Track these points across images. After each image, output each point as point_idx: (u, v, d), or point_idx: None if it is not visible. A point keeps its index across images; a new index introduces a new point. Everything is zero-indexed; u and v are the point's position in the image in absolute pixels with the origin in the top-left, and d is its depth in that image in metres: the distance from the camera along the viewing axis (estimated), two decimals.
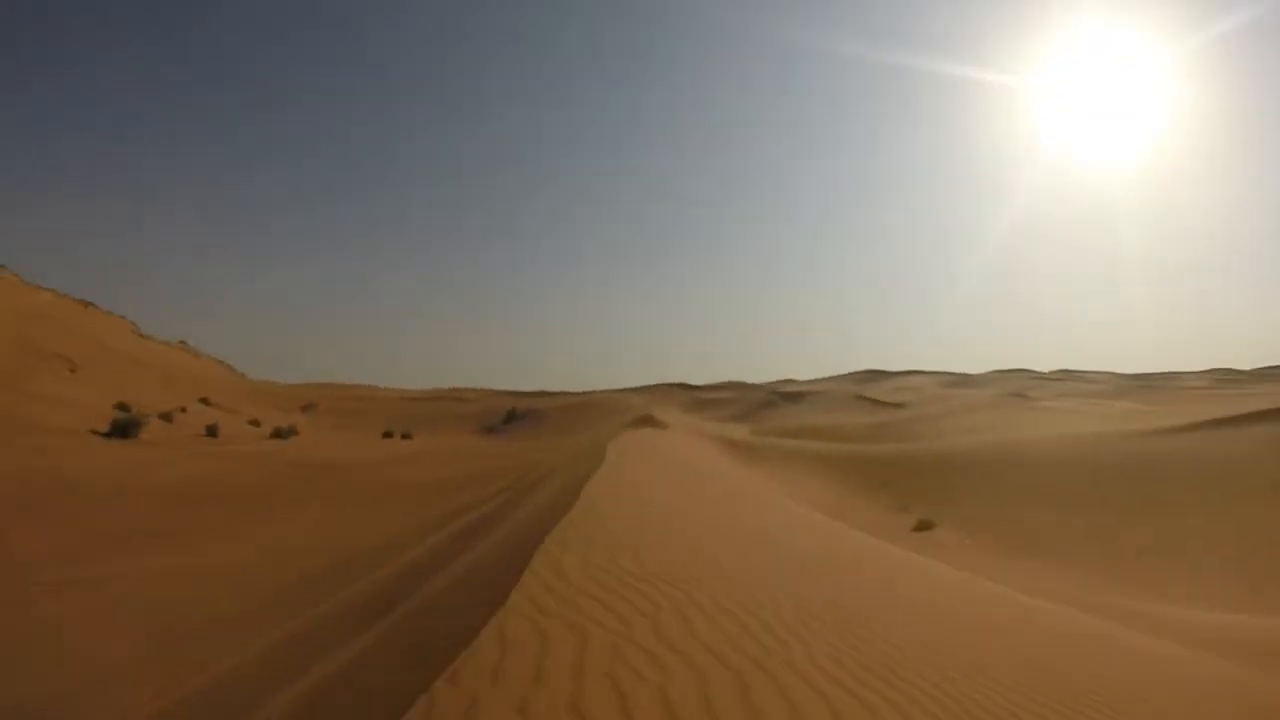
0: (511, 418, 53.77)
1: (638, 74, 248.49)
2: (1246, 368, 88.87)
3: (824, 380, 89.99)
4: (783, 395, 76.38)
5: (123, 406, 36.42)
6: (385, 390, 68.95)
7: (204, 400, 48.53)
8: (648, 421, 43.51)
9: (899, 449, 30.41)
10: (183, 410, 42.18)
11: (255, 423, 44.37)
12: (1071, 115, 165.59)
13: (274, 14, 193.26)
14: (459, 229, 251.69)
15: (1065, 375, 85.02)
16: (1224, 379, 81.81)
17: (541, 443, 40.00)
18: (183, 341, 69.93)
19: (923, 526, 19.07)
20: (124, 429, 26.85)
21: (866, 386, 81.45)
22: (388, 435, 45.75)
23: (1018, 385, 78.01)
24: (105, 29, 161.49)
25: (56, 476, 13.34)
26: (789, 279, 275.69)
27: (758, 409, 69.26)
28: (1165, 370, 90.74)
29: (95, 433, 27.55)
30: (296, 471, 18.37)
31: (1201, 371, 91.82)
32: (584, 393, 66.74)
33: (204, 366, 66.00)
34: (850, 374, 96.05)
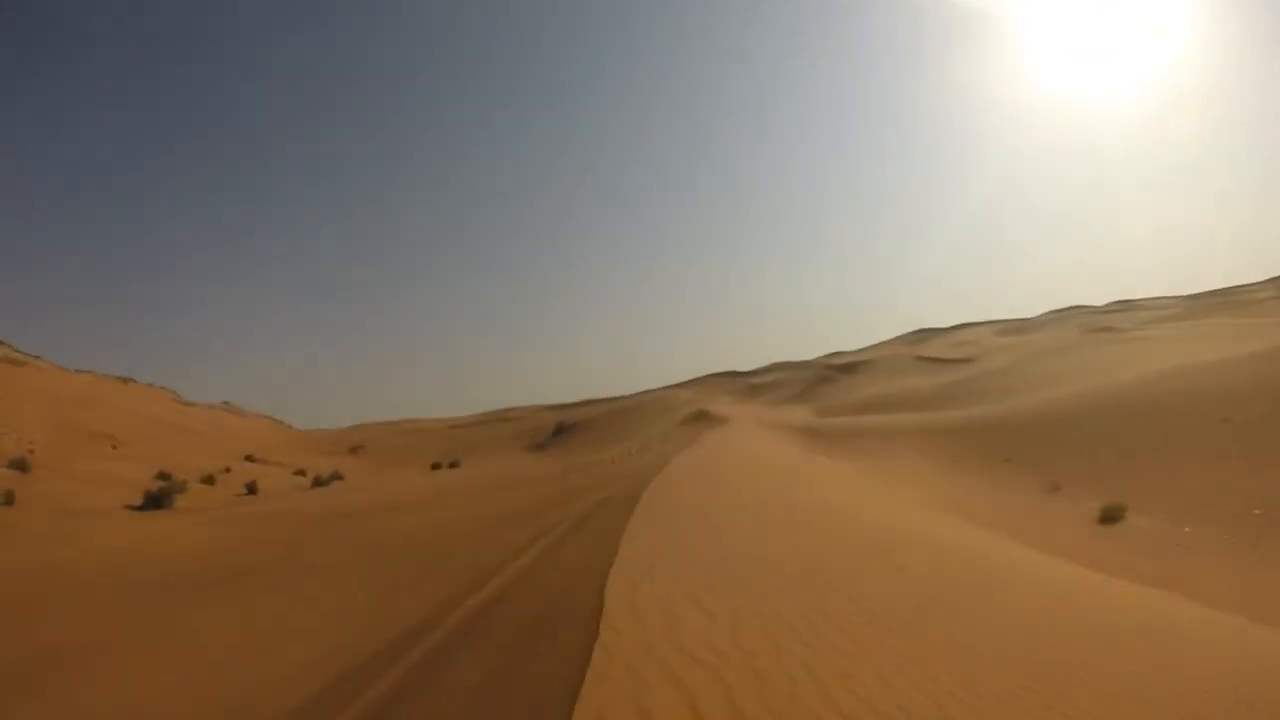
0: (560, 430, 52.03)
1: (630, 70, 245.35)
2: None
3: (874, 347, 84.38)
4: (837, 369, 72.31)
5: (164, 476, 35.58)
6: (433, 421, 67.83)
7: (249, 458, 47.77)
8: (701, 418, 41.30)
9: (1002, 411, 26.48)
10: (227, 471, 41.33)
11: (301, 472, 43.31)
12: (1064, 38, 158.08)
13: (285, 74, 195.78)
14: (476, 250, 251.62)
15: (1125, 305, 78.43)
16: None
17: (588, 457, 38.08)
18: (226, 402, 69.85)
19: (1110, 517, 14.26)
20: (158, 500, 25.57)
21: (921, 346, 77.08)
22: (436, 466, 44.28)
23: (1084, 321, 72.55)
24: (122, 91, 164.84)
25: (38, 567, 11.79)
26: (806, 248, 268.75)
27: (813, 386, 66.12)
28: (1222, 286, 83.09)
29: (129, 507, 26.37)
30: (308, 530, 16.60)
31: (1263, 282, 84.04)
32: (632, 395, 64.65)
33: (249, 424, 65.67)
34: (900, 337, 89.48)
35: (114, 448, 45.53)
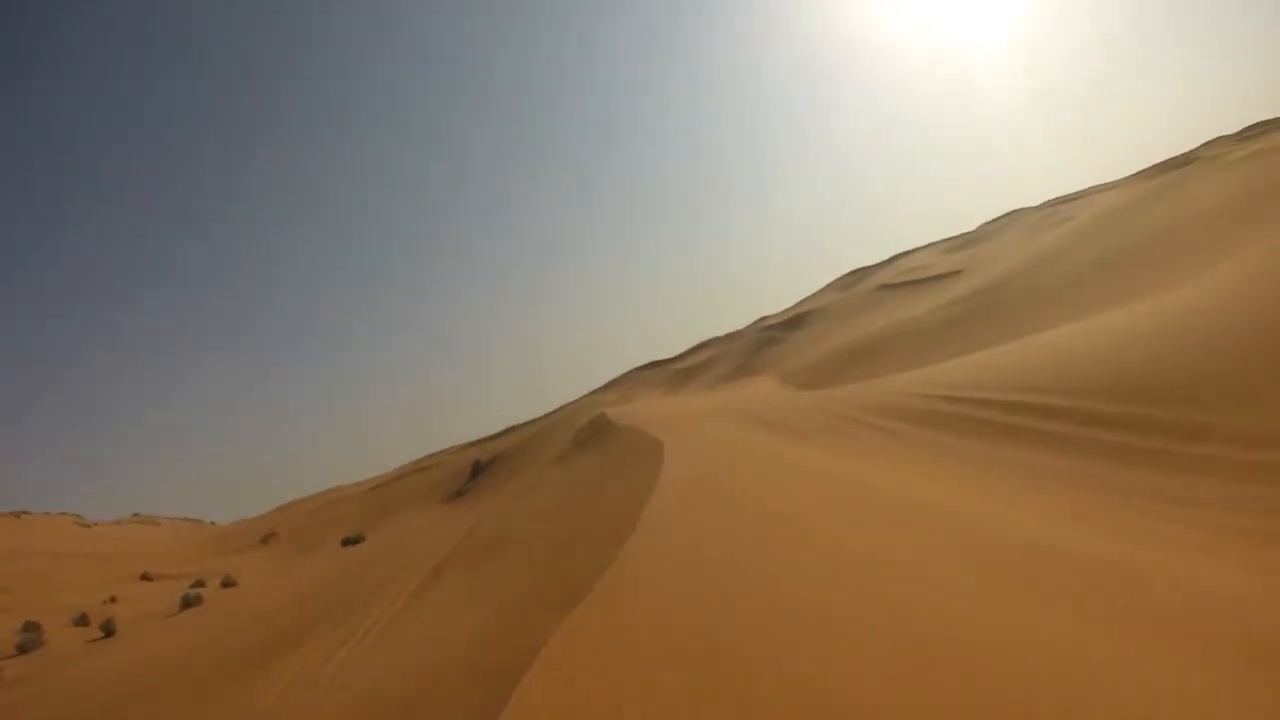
0: (477, 471, 49.27)
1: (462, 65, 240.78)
2: (1233, 130, 75.57)
3: (809, 299, 73.09)
4: (778, 327, 61.47)
5: (30, 627, 32.46)
6: (352, 487, 64.71)
7: (145, 576, 44.37)
8: (598, 430, 38.09)
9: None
10: (111, 600, 38.07)
11: (200, 584, 40.00)
12: None
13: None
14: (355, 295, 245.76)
15: (1065, 199, 70.05)
16: (1250, 136, 63.46)
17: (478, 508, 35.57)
18: (137, 514, 65.98)
19: None
20: None
21: (872, 279, 65.99)
22: (348, 542, 41.38)
23: (1036, 220, 59.48)
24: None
25: None
26: (692, 222, 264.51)
27: (757, 353, 56.66)
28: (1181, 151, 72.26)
29: None
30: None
31: (1228, 136, 68.51)
32: (554, 411, 61.89)
33: (161, 532, 62.05)
34: (833, 283, 77.09)
35: None
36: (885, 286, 56.92)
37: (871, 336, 36.72)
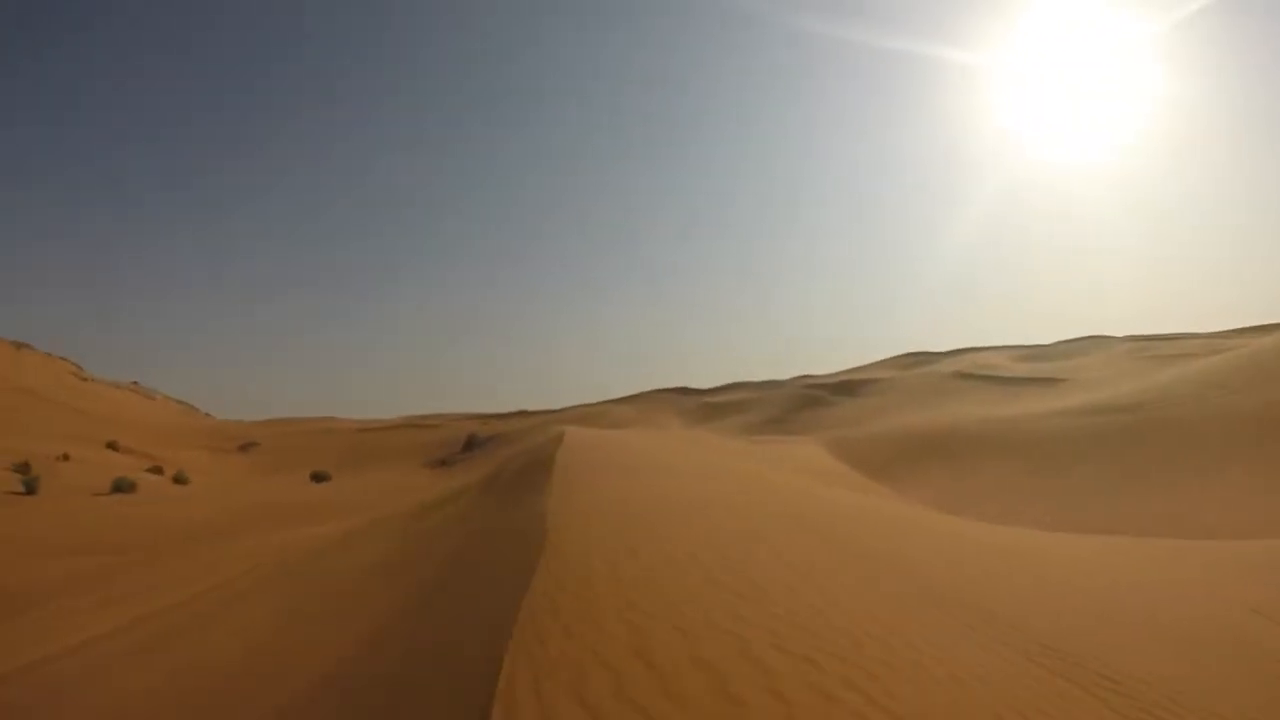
0: (470, 445, 46.90)
1: (609, 79, 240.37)
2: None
3: (863, 368, 68.49)
4: (826, 388, 55.66)
5: None
6: (347, 422, 62.91)
7: (111, 444, 42.78)
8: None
9: None
10: (63, 458, 36.36)
11: (158, 469, 38.16)
12: (1038, 96, 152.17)
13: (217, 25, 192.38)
14: (438, 244, 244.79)
15: (1154, 338, 65.33)
16: None
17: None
18: (135, 383, 64.93)
19: None
20: None
21: (934, 368, 60.56)
22: (316, 478, 39.22)
23: (1128, 349, 55.66)
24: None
25: None
26: (754, 275, 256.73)
27: (798, 410, 51.04)
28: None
29: None
30: None
31: None
32: (565, 409, 59.36)
33: (147, 407, 60.78)
34: (891, 359, 72.15)
35: None
36: (962, 375, 51.93)
37: (959, 426, 30.50)
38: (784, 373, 74.81)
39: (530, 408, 61.77)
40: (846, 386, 55.60)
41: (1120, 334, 69.07)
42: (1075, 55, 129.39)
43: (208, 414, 69.12)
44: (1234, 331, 60.16)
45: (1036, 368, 53.26)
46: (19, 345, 57.16)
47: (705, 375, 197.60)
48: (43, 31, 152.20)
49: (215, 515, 21.56)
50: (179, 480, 34.65)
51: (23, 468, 31.17)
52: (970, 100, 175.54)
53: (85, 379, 59.68)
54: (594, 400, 61.76)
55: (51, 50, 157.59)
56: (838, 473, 24.49)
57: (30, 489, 26.24)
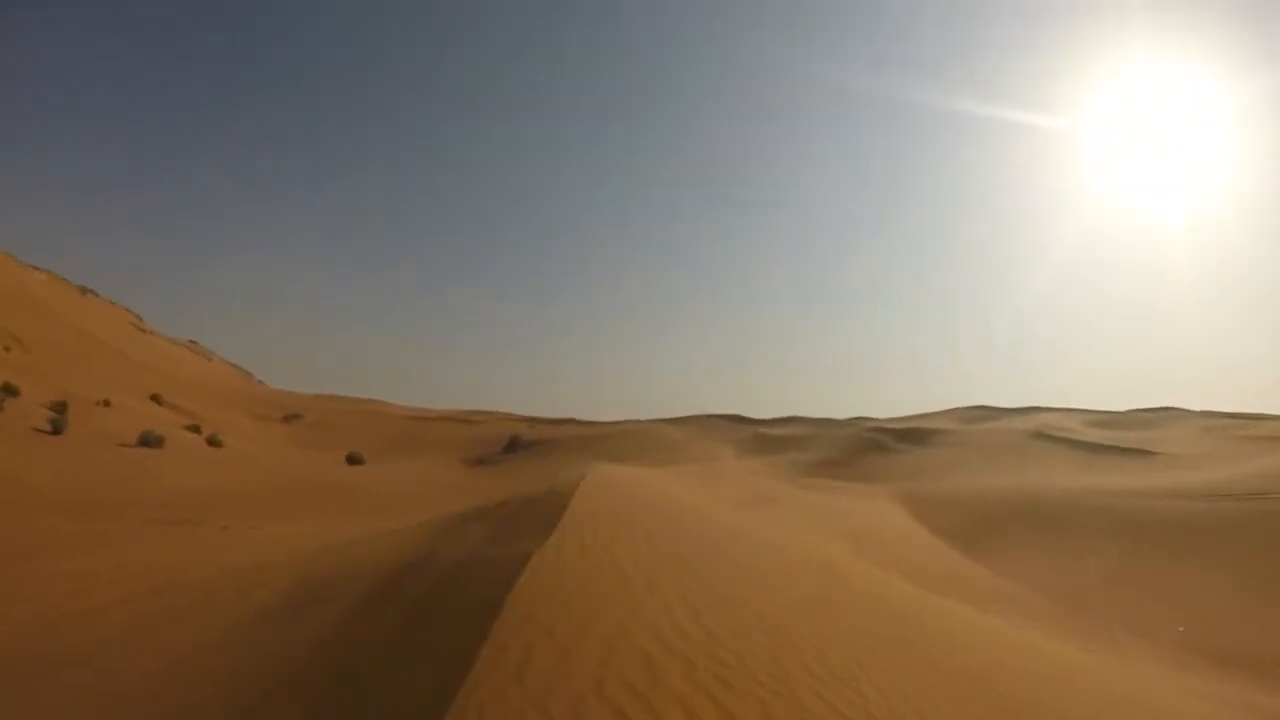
0: (513, 447, 45.02)
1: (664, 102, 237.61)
2: None
3: (925, 416, 65.55)
4: (889, 433, 52.14)
5: (8, 389, 30.37)
6: (395, 407, 61.76)
7: (155, 397, 42.03)
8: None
9: None
10: (104, 404, 35.56)
11: (195, 427, 37.12)
12: (1124, 161, 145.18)
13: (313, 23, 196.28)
14: (519, 248, 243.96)
15: (1240, 416, 59.58)
16: None
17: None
18: (193, 341, 65.01)
19: None
20: None
21: (1003, 423, 57.52)
22: (351, 460, 37.69)
23: (1202, 424, 53.13)
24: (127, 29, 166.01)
25: None
26: (823, 317, 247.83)
27: (860, 454, 47.41)
28: None
29: None
30: None
31: None
32: (614, 423, 57.12)
33: (203, 367, 60.63)
34: (952, 411, 69.17)
35: (6, 349, 40.39)
36: (1039, 435, 47.78)
37: (1051, 495, 26.82)
38: (839, 411, 71.06)
39: (580, 416, 59.76)
40: (913, 435, 51.63)
41: (1193, 407, 64.58)
42: (1158, 119, 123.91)
43: (261, 381, 69.04)
44: None
45: (1116, 435, 48.71)
46: (84, 290, 57.59)
47: (756, 403, 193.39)
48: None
49: (231, 486, 19.85)
50: (212, 442, 33.37)
51: (59, 407, 30.25)
52: (1050, 162, 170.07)
53: (144, 330, 59.85)
54: (644, 417, 59.51)
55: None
56: (923, 545, 21.14)
57: (57, 429, 25.06)
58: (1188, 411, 61.33)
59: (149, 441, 26.38)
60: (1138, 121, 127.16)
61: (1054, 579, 17.89)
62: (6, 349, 40.17)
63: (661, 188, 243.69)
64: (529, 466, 41.70)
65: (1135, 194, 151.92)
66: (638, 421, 56.61)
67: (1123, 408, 65.16)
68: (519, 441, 46.03)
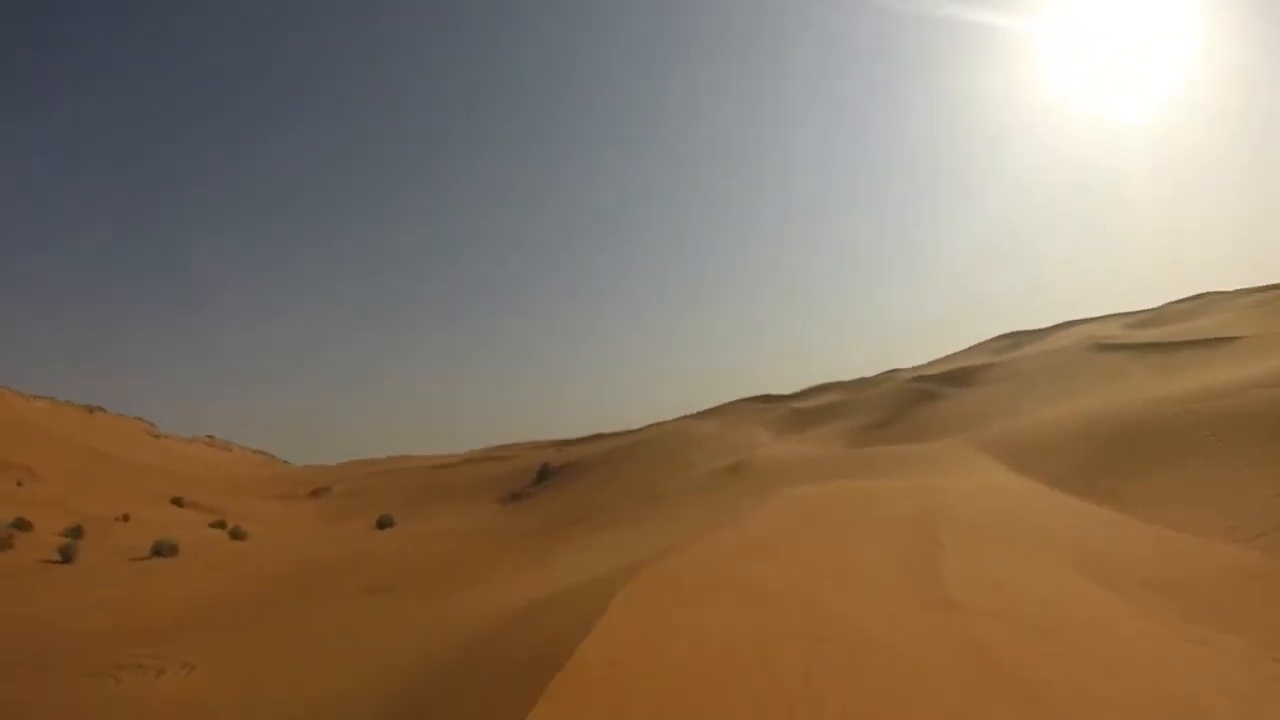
0: (544, 475, 43.58)
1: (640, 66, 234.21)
2: None
3: (956, 355, 60.10)
4: (933, 379, 47.54)
5: (20, 524, 29.36)
6: (420, 459, 60.61)
7: (176, 500, 41.07)
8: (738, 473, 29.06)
9: None
10: (123, 519, 34.59)
11: (220, 524, 36.09)
12: (1082, 62, 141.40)
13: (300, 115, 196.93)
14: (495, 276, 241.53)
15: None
16: None
17: (542, 522, 29.51)
18: (210, 436, 64.24)
19: None
20: None
21: (1048, 344, 51.48)
22: (381, 525, 36.38)
23: (1261, 300, 46.54)
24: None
25: None
26: (789, 268, 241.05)
27: (906, 408, 43.22)
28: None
29: None
30: None
31: None
32: (642, 429, 55.42)
33: (225, 459, 59.84)
34: (984, 343, 62.87)
35: (19, 484, 39.57)
36: (1100, 347, 42.07)
37: (1152, 411, 22.65)
38: (865, 370, 66.88)
39: (607, 429, 58.15)
40: (958, 376, 46.65)
41: (1227, 288, 60.13)
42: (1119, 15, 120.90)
43: (286, 461, 68.37)
44: None
45: (1176, 330, 43.00)
46: (91, 409, 56.96)
47: (779, 381, 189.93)
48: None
49: (236, 590, 18.39)
50: (235, 535, 32.22)
51: (74, 532, 29.24)
52: (1016, 66, 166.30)
53: (158, 436, 59.18)
54: (672, 416, 57.72)
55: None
56: (1058, 509, 15.93)
57: (67, 557, 23.88)
58: (1224, 293, 56.36)
59: (162, 550, 25.13)
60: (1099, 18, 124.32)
61: (1211, 516, 14.23)
62: (19, 483, 39.34)
63: (641, 179, 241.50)
64: (568, 490, 40.14)
65: (1099, 91, 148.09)
66: (665, 423, 54.88)
67: (1155, 304, 61.56)
68: (549, 469, 44.56)
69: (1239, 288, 56.90)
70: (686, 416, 55.68)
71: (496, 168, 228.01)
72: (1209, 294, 58.13)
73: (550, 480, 43.12)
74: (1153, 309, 58.29)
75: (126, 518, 35.29)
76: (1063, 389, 36.28)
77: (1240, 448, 17.75)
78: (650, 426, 54.28)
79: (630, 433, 53.65)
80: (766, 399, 58.58)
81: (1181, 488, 16.60)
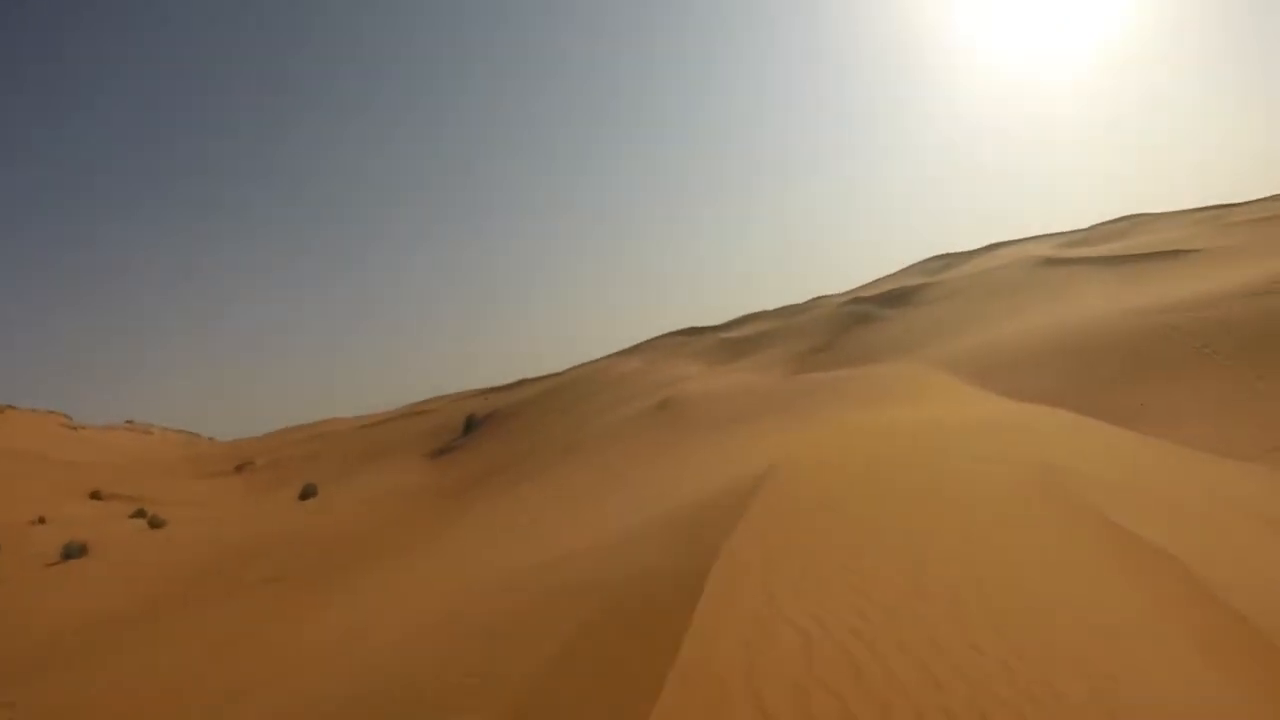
0: (470, 426, 43.83)
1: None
2: None
3: (889, 278, 59.25)
4: (871, 301, 45.59)
5: None
6: (345, 421, 60.12)
7: (94, 494, 40.26)
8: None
9: None
10: (38, 522, 33.85)
11: (141, 513, 35.58)
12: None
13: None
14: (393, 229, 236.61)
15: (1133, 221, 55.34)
16: None
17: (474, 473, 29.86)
18: (129, 421, 62.60)
19: None
20: None
21: (988, 262, 49.31)
22: (304, 496, 36.40)
23: (1198, 219, 46.41)
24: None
25: None
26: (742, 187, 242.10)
27: (844, 332, 40.68)
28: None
29: None
30: None
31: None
32: (565, 371, 55.77)
33: (143, 444, 58.57)
34: (916, 265, 61.71)
35: None
36: (1050, 262, 40.32)
37: (1145, 321, 20.96)
38: (792, 298, 65.38)
39: (531, 374, 58.22)
40: (896, 296, 44.43)
41: (1157, 210, 59.28)
42: None
43: (211, 438, 67.06)
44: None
45: (1120, 246, 41.93)
46: (1, 409, 54.84)
47: (705, 312, 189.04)
48: None
49: (130, 598, 18.41)
50: (154, 524, 31.92)
51: None
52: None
53: (74, 428, 57.42)
54: (597, 356, 57.96)
55: None
56: (1064, 425, 12.94)
57: None
58: (1151, 215, 55.73)
59: (72, 553, 24.87)
60: None
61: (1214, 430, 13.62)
62: None
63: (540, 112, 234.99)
64: (496, 439, 40.39)
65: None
66: (590, 363, 55.20)
67: (1084, 225, 59.80)
68: (474, 419, 44.81)
69: (1170, 210, 56.64)
70: (611, 355, 55.75)
71: (403, 102, 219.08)
72: (1136, 215, 56.89)
73: (476, 431, 43.42)
74: (1081, 230, 57.21)
75: (42, 520, 34.55)
76: (1014, 305, 34.71)
77: (1242, 358, 16.81)
78: (575, 368, 54.50)
79: (554, 376, 53.81)
80: (694, 331, 57.49)
81: (1193, 401, 15.45)
